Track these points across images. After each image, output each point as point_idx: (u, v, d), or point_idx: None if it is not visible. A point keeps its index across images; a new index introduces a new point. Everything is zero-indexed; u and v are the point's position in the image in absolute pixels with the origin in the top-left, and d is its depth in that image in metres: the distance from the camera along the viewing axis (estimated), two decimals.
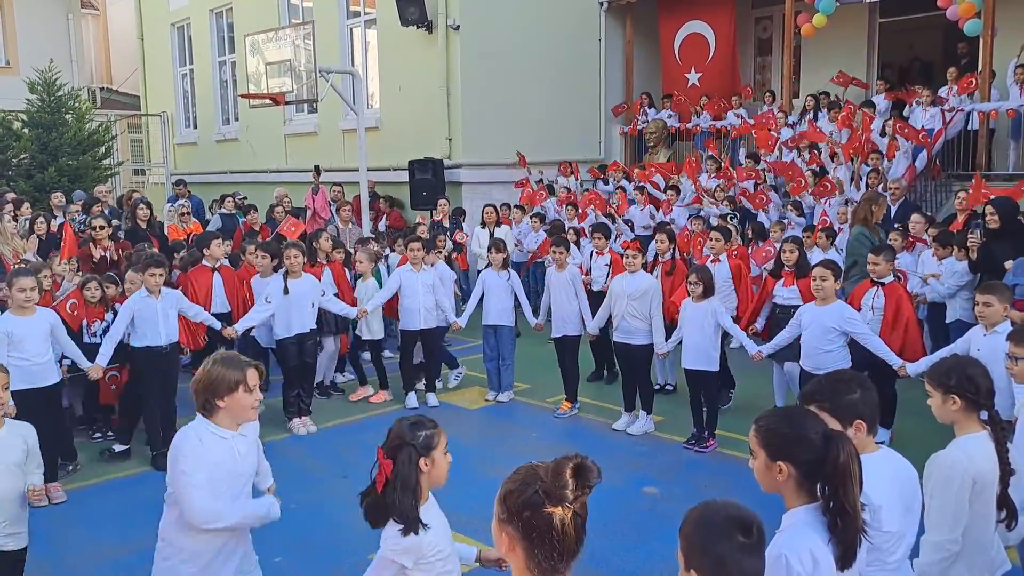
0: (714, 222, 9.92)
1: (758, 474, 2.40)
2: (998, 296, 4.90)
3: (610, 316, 7.23)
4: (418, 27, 13.21)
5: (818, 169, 11.24)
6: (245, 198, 13.55)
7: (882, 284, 6.47)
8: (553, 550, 1.82)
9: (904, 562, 2.78)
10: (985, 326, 4.97)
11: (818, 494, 2.29)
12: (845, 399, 2.72)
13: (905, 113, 12.10)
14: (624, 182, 13.11)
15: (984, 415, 3.08)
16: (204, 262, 7.90)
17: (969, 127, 11.43)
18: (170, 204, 13.08)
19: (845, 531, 2.22)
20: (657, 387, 7.97)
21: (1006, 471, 3.04)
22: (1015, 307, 5.67)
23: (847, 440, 2.28)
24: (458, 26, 13.13)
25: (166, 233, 11.03)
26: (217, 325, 7.17)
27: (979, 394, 3.04)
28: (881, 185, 10.27)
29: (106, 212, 10.81)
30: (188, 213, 11.85)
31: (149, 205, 10.76)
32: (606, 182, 13.66)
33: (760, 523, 1.96)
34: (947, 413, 3.11)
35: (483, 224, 11.10)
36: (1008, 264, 6.58)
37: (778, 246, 8.36)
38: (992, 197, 7.91)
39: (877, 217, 7.73)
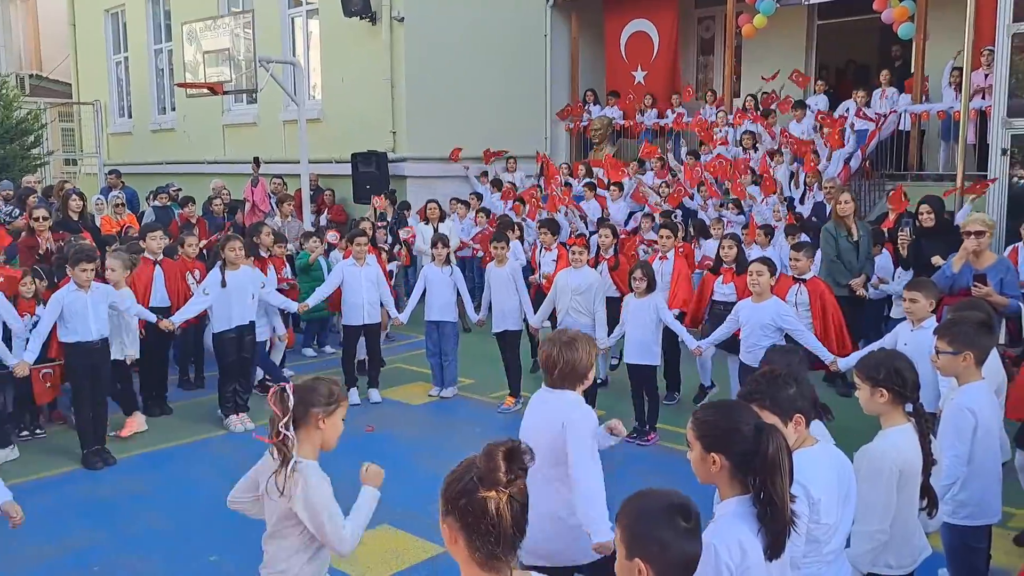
0: (658, 220, 10.00)
1: (694, 465, 2.45)
2: (923, 293, 5.04)
3: (554, 310, 7.27)
4: (361, 18, 13.06)
5: (758, 172, 11.46)
6: (180, 190, 13.22)
7: (803, 280, 6.62)
8: (490, 535, 1.83)
9: (840, 552, 2.86)
10: (912, 322, 5.11)
11: (749, 486, 2.33)
12: (783, 395, 2.78)
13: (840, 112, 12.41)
14: (569, 178, 13.17)
15: (909, 407, 3.18)
16: (146, 255, 7.71)
17: (901, 128, 11.78)
18: (100, 196, 12.69)
19: (774, 522, 2.27)
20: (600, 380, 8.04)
21: (928, 461, 3.14)
22: (944, 302, 5.87)
23: (777, 433, 2.33)
24: (402, 18, 13.01)
25: (98, 224, 10.69)
26: (152, 318, 6.98)
27: (905, 387, 3.13)
28: (817, 184, 10.52)
29: (36, 203, 10.44)
30: (123, 205, 11.52)
31: (82, 196, 10.43)
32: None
33: (697, 508, 2.02)
34: (875, 405, 3.19)
35: (425, 220, 11.03)
36: (936, 260, 6.78)
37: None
38: (925, 196, 8.14)
39: (843, 210, 7.61)
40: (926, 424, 3.14)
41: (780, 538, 2.29)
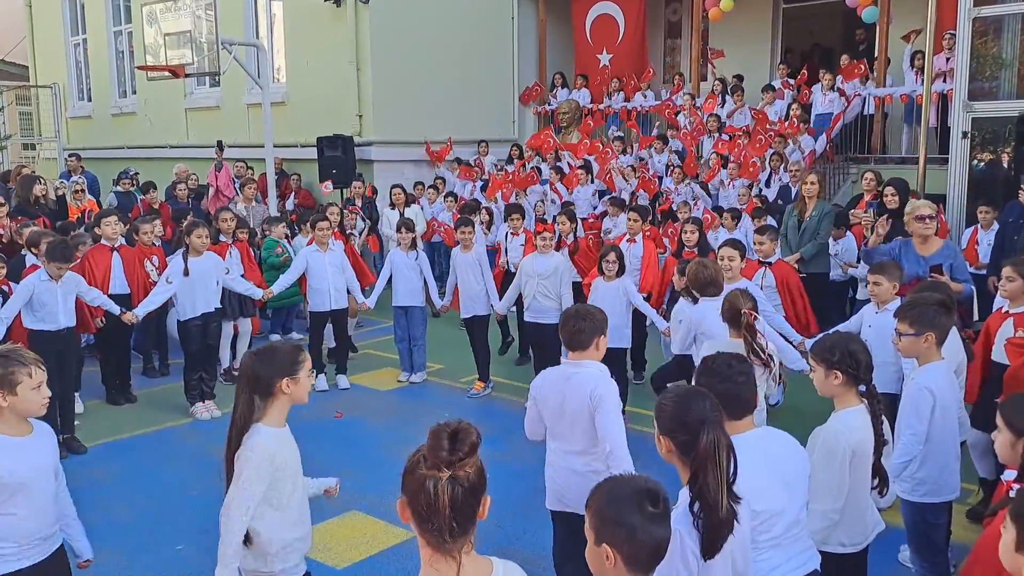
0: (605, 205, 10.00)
1: (656, 444, 2.50)
2: (887, 276, 5.08)
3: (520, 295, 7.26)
4: (326, 0, 12.86)
5: (727, 153, 11.51)
6: (137, 174, 12.96)
7: (769, 264, 6.68)
8: (424, 513, 1.83)
9: (797, 538, 2.79)
10: (877, 304, 5.17)
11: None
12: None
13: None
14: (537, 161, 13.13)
15: (863, 388, 3.21)
16: (103, 241, 7.56)
17: (865, 112, 11.90)
18: (61, 180, 12.42)
19: (705, 517, 2.27)
20: None
21: (880, 442, 3.19)
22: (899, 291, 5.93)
23: (718, 429, 2.34)
24: (368, 0, 12.84)
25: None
26: (116, 310, 6.85)
27: (859, 369, 3.16)
28: (783, 166, 10.60)
29: None
30: (83, 190, 11.30)
31: (44, 183, 10.22)
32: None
33: (665, 493, 2.02)
34: (829, 387, 3.23)
35: (391, 205, 10.95)
36: None
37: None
38: (890, 178, 8.21)
39: (807, 191, 7.77)
40: (878, 405, 3.19)
41: (713, 536, 2.27)
